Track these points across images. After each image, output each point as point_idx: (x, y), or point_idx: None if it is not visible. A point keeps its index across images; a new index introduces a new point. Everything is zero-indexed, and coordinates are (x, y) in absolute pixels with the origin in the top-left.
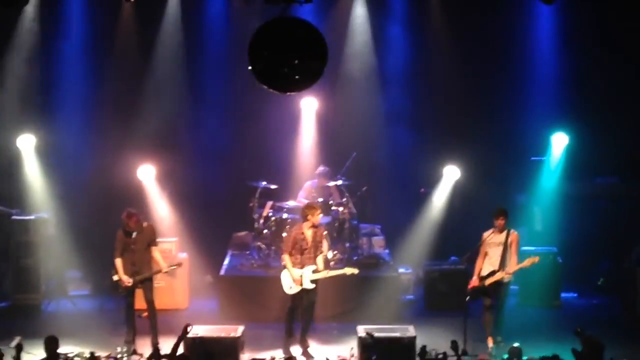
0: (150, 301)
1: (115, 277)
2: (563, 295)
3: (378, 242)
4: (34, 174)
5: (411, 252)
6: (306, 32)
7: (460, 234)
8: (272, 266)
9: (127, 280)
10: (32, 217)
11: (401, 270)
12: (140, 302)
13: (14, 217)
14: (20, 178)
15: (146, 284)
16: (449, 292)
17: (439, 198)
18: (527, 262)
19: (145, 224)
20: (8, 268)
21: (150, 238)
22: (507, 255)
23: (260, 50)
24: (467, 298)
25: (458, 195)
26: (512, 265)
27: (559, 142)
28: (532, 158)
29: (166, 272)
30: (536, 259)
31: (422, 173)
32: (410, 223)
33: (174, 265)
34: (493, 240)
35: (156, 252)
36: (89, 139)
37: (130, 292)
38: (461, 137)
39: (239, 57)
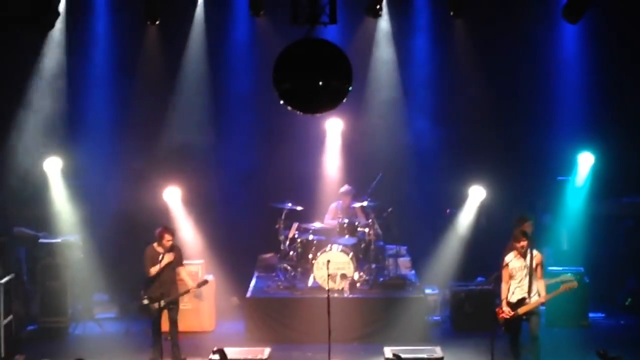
0: (174, 321)
1: (145, 302)
2: (591, 315)
3: (404, 263)
4: (60, 197)
5: (437, 272)
6: (331, 53)
7: (486, 254)
8: (298, 288)
9: (158, 304)
10: (58, 240)
11: (428, 291)
12: (166, 324)
13: (41, 240)
14: (47, 201)
15: (173, 305)
16: (476, 313)
17: (465, 218)
18: (563, 289)
19: (174, 244)
20: (35, 291)
21: (178, 259)
22: (534, 279)
23: (286, 71)
24: (503, 329)
25: (484, 215)
26: (542, 289)
27: (585, 161)
28: (558, 178)
29: (194, 291)
30: (574, 284)
31: (448, 193)
32: (436, 244)
33: (200, 283)
34: (517, 264)
35: (183, 272)
36: (115, 161)
37: (158, 313)
38: (486, 157)
39: (264, 78)
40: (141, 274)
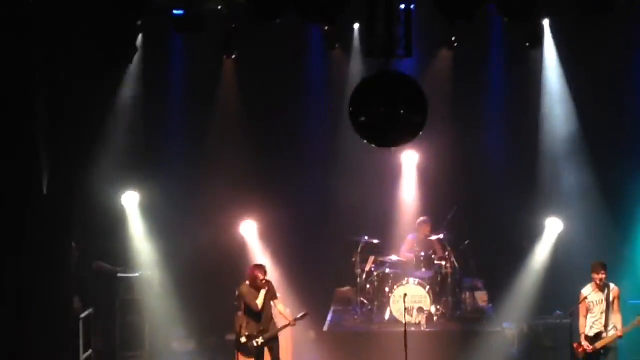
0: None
1: (243, 339)
2: None
3: (481, 296)
4: (138, 231)
5: (515, 306)
6: (407, 85)
7: (564, 288)
8: (375, 321)
9: (258, 341)
10: (137, 274)
11: (505, 324)
12: None
13: (120, 274)
14: (125, 236)
15: (274, 342)
16: (554, 347)
17: (542, 251)
18: (638, 322)
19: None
20: (114, 325)
21: (272, 292)
22: (611, 313)
23: (361, 104)
24: None
25: (561, 248)
26: (619, 322)
27: None
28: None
29: (293, 325)
30: None
31: (525, 226)
32: (513, 277)
33: (299, 317)
34: (594, 298)
35: (280, 306)
36: (192, 194)
37: (259, 352)
38: (564, 189)
39: (340, 111)
40: (221, 309)
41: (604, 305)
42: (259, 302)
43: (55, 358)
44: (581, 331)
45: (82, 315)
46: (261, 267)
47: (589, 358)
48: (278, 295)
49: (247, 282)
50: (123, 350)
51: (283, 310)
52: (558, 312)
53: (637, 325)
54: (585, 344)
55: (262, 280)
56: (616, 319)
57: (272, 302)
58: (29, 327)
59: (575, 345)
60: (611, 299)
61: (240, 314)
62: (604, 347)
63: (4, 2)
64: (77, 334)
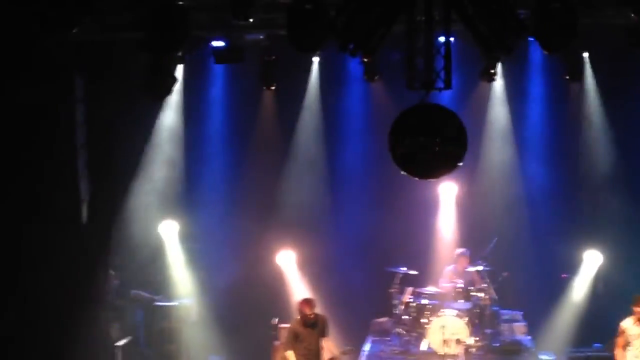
0: None
1: None
2: None
3: (519, 328)
4: (176, 260)
5: (553, 338)
6: (446, 118)
7: (603, 320)
8: (413, 352)
9: None
10: (175, 303)
11: (543, 357)
12: None
13: (157, 303)
14: (163, 265)
15: None
16: None
17: (581, 283)
18: None
19: (317, 313)
20: (152, 354)
21: (323, 328)
22: None
23: (401, 136)
24: None
25: (601, 280)
26: None
27: None
28: None
29: (338, 359)
30: None
31: (564, 258)
32: (552, 309)
33: (346, 351)
34: (635, 331)
35: (328, 342)
36: (231, 225)
37: None
38: (604, 220)
39: (379, 142)
40: (258, 338)
41: None
42: (288, 347)
43: None
44: None
45: (120, 343)
46: (309, 302)
47: None
48: (328, 334)
49: (298, 317)
50: None
51: (331, 346)
52: (597, 345)
53: None
54: None
55: (310, 315)
56: None
57: (322, 338)
58: (69, 356)
59: None
60: None
61: (277, 343)
62: None
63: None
64: None
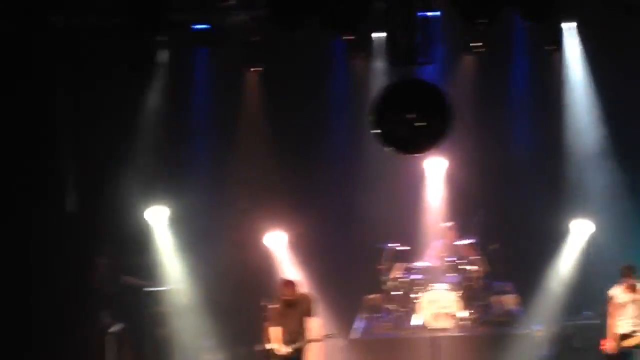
0: None
1: (268, 346)
2: None
3: (510, 299)
4: (165, 245)
5: (544, 308)
6: (430, 93)
7: (593, 289)
8: (404, 327)
9: (285, 350)
10: (165, 288)
11: (534, 326)
12: None
13: (148, 288)
14: (153, 250)
15: (300, 354)
16: (584, 348)
17: (571, 253)
18: None
19: (301, 293)
20: (143, 339)
21: (307, 308)
22: None
23: (384, 112)
24: None
25: (591, 249)
26: None
27: None
28: None
29: (321, 341)
30: None
31: (553, 228)
32: (542, 279)
33: (328, 336)
34: (624, 299)
35: (312, 322)
36: (219, 208)
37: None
38: (592, 191)
39: (364, 119)
40: (249, 320)
41: (633, 306)
42: (272, 323)
43: None
44: (610, 332)
45: (112, 330)
46: (287, 283)
47: (617, 357)
48: (313, 314)
49: (280, 298)
50: None
51: (314, 327)
52: (586, 312)
53: None
54: (612, 344)
55: (289, 296)
56: None
57: (305, 317)
58: (58, 342)
59: (601, 342)
60: None
61: (267, 324)
62: (635, 346)
63: (32, 21)
64: (107, 347)
